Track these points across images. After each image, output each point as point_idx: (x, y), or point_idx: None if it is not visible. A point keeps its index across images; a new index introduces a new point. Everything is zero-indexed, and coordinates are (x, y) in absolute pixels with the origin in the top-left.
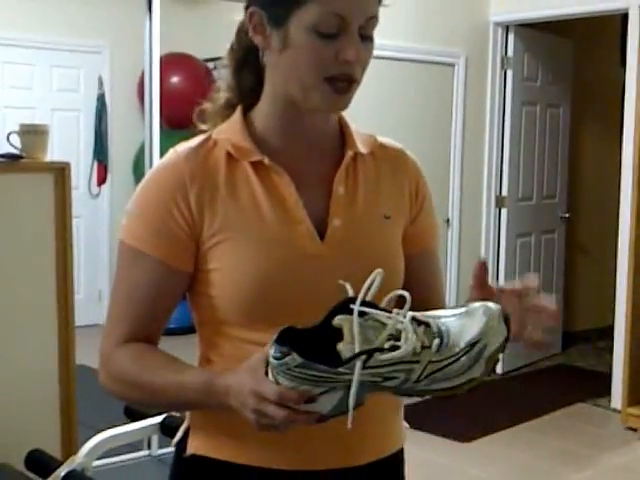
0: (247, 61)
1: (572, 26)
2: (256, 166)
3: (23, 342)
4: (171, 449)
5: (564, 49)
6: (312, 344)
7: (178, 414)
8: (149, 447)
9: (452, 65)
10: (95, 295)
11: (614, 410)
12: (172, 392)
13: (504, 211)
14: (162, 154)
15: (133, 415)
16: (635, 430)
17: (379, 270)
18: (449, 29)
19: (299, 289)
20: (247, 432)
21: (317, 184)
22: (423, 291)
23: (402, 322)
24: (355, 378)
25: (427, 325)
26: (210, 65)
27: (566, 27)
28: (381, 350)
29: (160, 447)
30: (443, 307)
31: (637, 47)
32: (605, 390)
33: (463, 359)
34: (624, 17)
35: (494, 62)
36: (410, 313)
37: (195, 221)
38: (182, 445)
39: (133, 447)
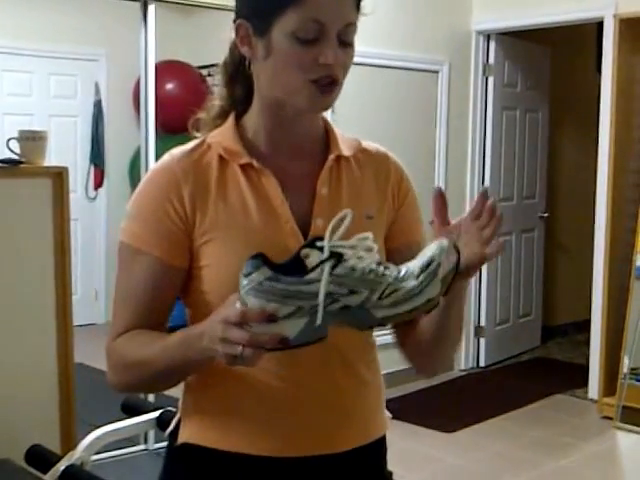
0: (239, 73)
1: (550, 34)
2: (245, 168)
3: (23, 342)
4: (167, 444)
5: (542, 56)
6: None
7: (174, 409)
8: (146, 442)
9: (436, 72)
10: (92, 295)
11: (591, 400)
12: (159, 359)
13: None
14: (157, 158)
15: (130, 411)
16: (611, 419)
17: (348, 210)
18: (433, 37)
19: None
20: (233, 421)
21: (302, 186)
22: None
23: (368, 240)
24: (324, 276)
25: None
26: (204, 72)
27: (544, 35)
28: (347, 260)
29: (157, 441)
30: None
31: (611, 54)
32: (582, 381)
33: (420, 277)
34: (599, 25)
35: (476, 69)
36: (376, 256)
37: (188, 218)
38: (174, 435)
39: (130, 442)
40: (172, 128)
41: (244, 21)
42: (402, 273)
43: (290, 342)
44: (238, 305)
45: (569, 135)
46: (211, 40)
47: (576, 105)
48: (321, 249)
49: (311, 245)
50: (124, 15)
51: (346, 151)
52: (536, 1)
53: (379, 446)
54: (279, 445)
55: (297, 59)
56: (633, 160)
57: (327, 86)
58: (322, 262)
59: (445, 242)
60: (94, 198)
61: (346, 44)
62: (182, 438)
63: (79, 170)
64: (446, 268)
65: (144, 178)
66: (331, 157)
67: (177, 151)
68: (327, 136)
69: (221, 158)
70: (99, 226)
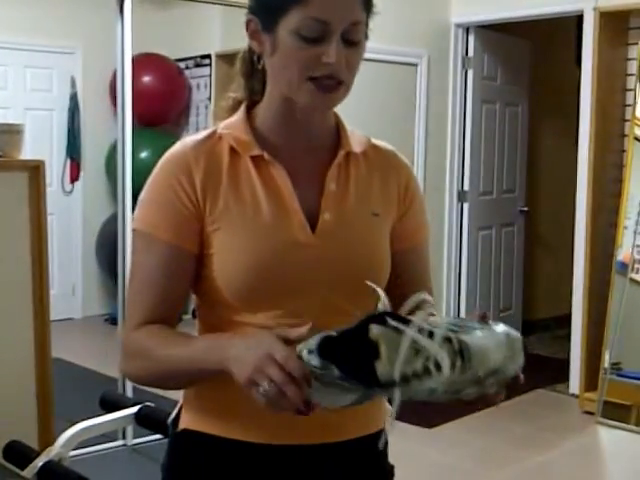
0: (256, 65)
1: (530, 27)
2: (256, 160)
3: (0, 337)
4: (145, 439)
5: (522, 49)
6: (340, 344)
7: (153, 404)
8: (124, 437)
9: (415, 65)
10: (69, 290)
11: (572, 395)
12: (177, 358)
13: (466, 205)
14: (134, 151)
15: (108, 406)
16: (592, 414)
17: (428, 297)
18: (412, 30)
19: (288, 276)
20: (232, 408)
21: (311, 180)
22: (410, 287)
23: (437, 350)
24: (394, 408)
25: (449, 340)
26: (181, 65)
27: (524, 28)
28: (418, 376)
29: (135, 437)
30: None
31: (591, 47)
32: (563, 376)
33: (484, 383)
34: (579, 19)
35: (455, 62)
36: (441, 333)
37: (199, 203)
38: (176, 422)
39: (108, 437)
40: (149, 121)
41: (253, 17)
42: (465, 361)
43: (313, 407)
44: (297, 351)
45: (549, 129)
46: (188, 33)
47: (556, 98)
48: (394, 328)
49: (381, 319)
50: (100, 7)
51: (356, 147)
52: None
53: (381, 437)
54: (278, 432)
55: (300, 57)
56: (613, 154)
57: (329, 84)
58: (393, 384)
59: (517, 340)
60: (70, 192)
61: (352, 43)
62: (182, 424)
63: (55, 164)
64: (509, 373)
65: (157, 165)
66: (341, 153)
67: (189, 139)
68: (338, 131)
69: (232, 150)
70: (75, 220)
